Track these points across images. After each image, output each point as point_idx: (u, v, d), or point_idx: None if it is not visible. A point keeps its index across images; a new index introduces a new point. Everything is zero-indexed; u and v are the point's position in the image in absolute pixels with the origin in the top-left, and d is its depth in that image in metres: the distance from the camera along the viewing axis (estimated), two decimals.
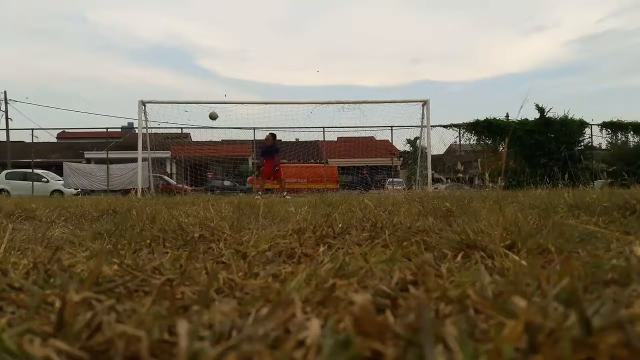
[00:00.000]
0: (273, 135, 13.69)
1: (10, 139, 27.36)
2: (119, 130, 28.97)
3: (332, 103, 16.86)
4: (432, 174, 14.88)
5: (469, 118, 21.57)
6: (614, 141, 22.56)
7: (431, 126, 16.05)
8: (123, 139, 25.29)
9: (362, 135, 26.61)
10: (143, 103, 15.73)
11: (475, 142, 21.93)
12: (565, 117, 20.63)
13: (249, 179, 25.29)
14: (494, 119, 21.28)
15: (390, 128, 22.55)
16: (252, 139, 22.78)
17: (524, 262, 1.01)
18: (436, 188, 12.03)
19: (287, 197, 9.44)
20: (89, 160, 28.09)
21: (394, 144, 24.73)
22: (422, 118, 15.94)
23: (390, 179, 23.40)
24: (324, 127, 22.49)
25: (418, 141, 18.71)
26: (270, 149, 13.13)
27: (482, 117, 21.29)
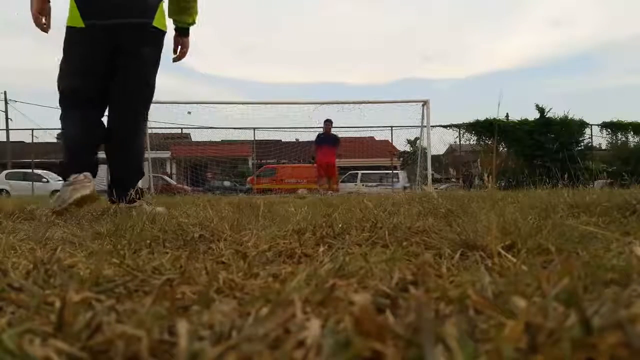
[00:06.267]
0: None
1: (10, 139, 27.33)
2: None
3: (332, 103, 16.88)
4: (432, 174, 14.90)
5: (468, 116, 21.64)
6: (614, 141, 22.55)
7: (431, 126, 16.07)
8: None
9: (362, 135, 26.63)
10: None
11: (475, 142, 21.94)
12: (565, 117, 20.62)
13: (249, 179, 25.27)
14: (494, 119, 21.28)
15: (390, 128, 22.54)
16: (252, 139, 22.76)
17: (524, 267, 1.01)
18: (436, 188, 12.06)
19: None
20: None
21: (394, 144, 24.72)
22: (422, 118, 15.96)
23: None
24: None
25: (418, 141, 18.73)
26: None
27: (482, 117, 21.31)
